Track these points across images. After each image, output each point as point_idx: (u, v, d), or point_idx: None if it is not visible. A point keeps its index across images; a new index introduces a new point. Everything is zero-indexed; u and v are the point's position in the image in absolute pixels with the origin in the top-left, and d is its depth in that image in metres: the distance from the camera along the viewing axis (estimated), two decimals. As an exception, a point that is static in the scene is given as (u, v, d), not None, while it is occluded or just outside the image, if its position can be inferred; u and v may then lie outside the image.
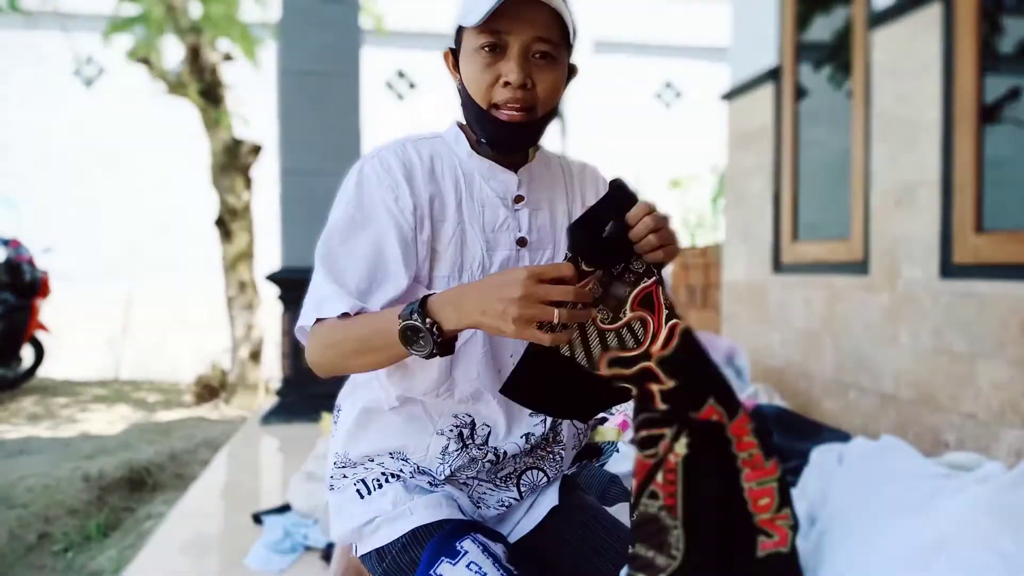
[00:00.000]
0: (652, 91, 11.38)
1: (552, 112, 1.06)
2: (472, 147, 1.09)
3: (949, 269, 2.50)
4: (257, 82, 6.79)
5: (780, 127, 3.67)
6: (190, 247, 9.40)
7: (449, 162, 1.07)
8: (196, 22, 6.12)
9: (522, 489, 1.14)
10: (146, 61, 6.34)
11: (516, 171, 1.09)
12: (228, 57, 6.56)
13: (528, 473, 1.14)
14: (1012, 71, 2.46)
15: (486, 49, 1.01)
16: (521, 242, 1.07)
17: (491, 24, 0.99)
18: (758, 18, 3.90)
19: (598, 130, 10.59)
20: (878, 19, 2.86)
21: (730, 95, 4.18)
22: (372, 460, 1.12)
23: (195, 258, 9.13)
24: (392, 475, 1.10)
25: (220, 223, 6.51)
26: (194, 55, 6.32)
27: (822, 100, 3.48)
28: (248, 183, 6.58)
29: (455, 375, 1.05)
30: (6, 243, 6.32)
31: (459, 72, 1.07)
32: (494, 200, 1.07)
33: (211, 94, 6.42)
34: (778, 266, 3.65)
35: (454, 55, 1.08)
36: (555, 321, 0.86)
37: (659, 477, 0.93)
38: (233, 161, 6.45)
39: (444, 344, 0.92)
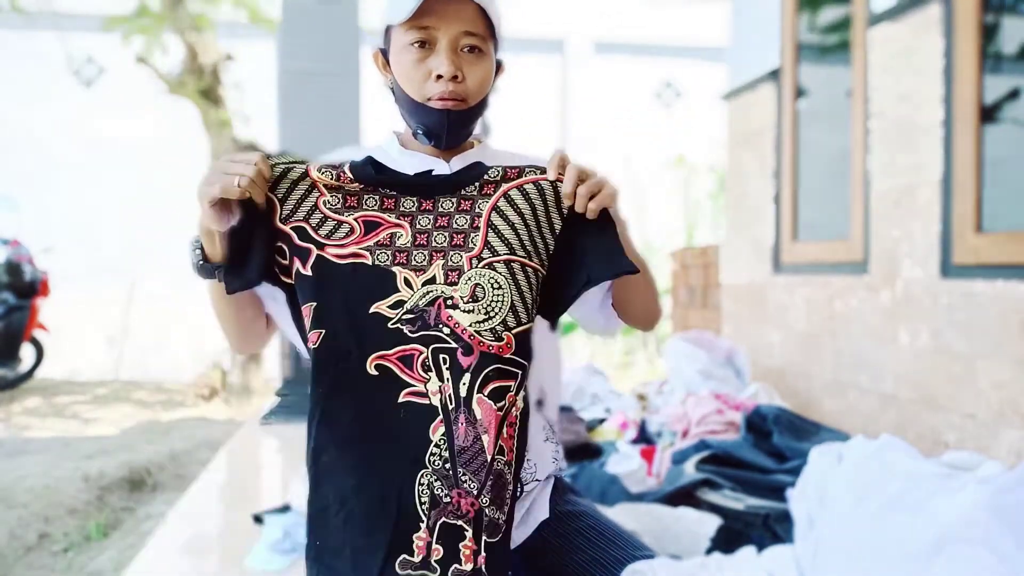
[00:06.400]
0: (652, 91, 11.37)
1: (482, 104, 1.10)
2: (403, 145, 1.14)
3: (949, 269, 2.50)
4: (257, 82, 6.78)
5: (780, 127, 3.67)
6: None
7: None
8: (196, 16, 6.11)
9: None
10: (145, 61, 6.33)
11: (450, 161, 1.12)
12: (228, 57, 6.56)
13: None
14: (1012, 71, 2.46)
15: (415, 45, 1.04)
16: None
17: (419, 20, 1.02)
18: (758, 18, 3.89)
19: (598, 130, 10.58)
20: (878, 18, 2.86)
21: (730, 95, 4.17)
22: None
23: (195, 258, 9.09)
24: None
25: (220, 223, 6.49)
26: (194, 55, 6.32)
27: (822, 100, 3.48)
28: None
29: None
30: (6, 243, 6.32)
31: (390, 71, 1.10)
32: None
33: (211, 94, 6.41)
34: (778, 266, 3.65)
35: (384, 55, 1.12)
36: (235, 184, 0.92)
37: (504, 431, 0.98)
38: (233, 161, 6.44)
39: (210, 260, 1.00)
